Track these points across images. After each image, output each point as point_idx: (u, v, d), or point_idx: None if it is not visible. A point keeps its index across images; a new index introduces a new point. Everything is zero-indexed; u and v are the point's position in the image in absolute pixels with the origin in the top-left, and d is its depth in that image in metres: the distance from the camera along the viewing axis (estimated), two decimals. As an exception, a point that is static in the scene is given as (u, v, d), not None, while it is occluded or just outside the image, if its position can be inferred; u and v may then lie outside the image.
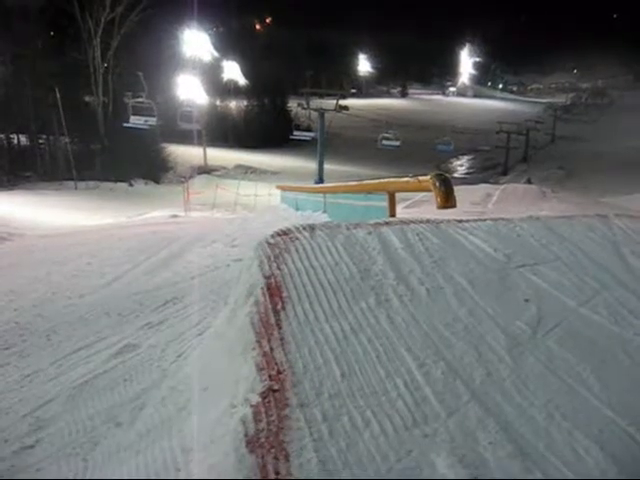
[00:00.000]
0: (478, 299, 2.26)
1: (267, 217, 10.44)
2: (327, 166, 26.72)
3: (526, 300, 2.28)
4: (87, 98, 40.39)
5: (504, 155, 49.51)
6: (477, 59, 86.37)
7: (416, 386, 1.80)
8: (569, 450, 1.60)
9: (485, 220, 3.02)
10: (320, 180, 24.75)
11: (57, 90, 33.06)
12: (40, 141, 38.20)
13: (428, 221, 2.97)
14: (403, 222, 2.92)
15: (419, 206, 11.58)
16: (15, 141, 37.78)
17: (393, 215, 5.44)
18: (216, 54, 48.64)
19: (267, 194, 21.42)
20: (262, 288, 2.26)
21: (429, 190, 4.49)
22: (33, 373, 3.79)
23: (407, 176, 5.36)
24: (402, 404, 1.72)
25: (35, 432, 2.92)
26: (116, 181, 34.89)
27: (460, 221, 2.96)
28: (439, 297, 2.26)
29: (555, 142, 56.48)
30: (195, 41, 44.76)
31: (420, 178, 4.72)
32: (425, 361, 1.90)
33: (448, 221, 2.96)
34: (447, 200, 4.28)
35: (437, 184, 4.32)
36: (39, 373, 3.78)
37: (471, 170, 51.85)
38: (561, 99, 75.37)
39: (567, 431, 1.66)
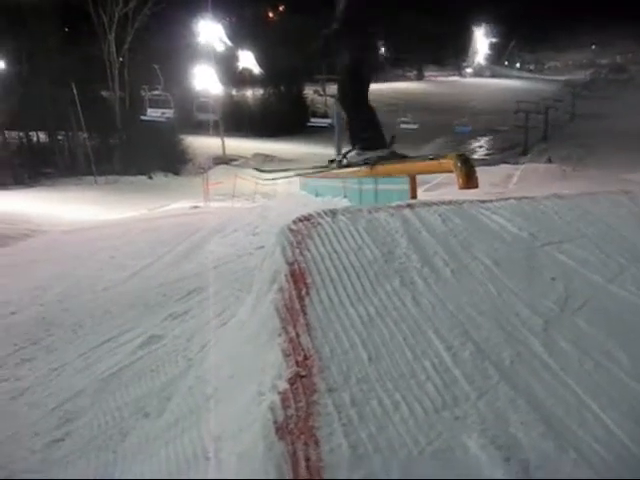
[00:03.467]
0: (504, 279, 2.23)
1: (287, 205, 10.44)
2: (345, 152, 26.59)
3: (553, 279, 2.25)
4: (104, 93, 40.61)
5: (523, 135, 49.12)
6: (493, 39, 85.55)
7: (445, 368, 1.78)
8: (601, 427, 1.58)
9: (508, 199, 2.99)
10: (339, 166, 24.69)
11: (74, 86, 33.22)
12: (59, 137, 38.47)
13: (450, 202, 2.93)
14: (425, 204, 2.90)
15: (439, 189, 11.55)
16: (34, 138, 38.08)
17: (414, 197, 5.42)
18: (230, 44, 48.59)
19: (287, 182, 21.40)
20: (286, 275, 2.24)
21: (450, 171, 4.46)
22: (60, 367, 3.82)
23: (427, 158, 5.34)
24: (431, 386, 1.71)
25: (65, 425, 2.94)
26: (136, 174, 35.10)
27: (483, 201, 2.93)
28: (465, 278, 2.24)
29: (574, 120, 55.84)
30: (209, 31, 44.73)
31: (441, 159, 4.70)
32: (453, 343, 1.88)
33: (471, 201, 2.92)
34: (469, 180, 4.26)
35: (458, 164, 4.29)
36: (66, 366, 3.81)
37: (490, 151, 51.47)
38: (579, 76, 74.51)
39: (599, 408, 1.64)
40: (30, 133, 37.73)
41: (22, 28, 34.75)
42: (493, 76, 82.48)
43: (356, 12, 6.63)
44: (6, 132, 36.06)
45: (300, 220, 2.64)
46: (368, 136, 6.90)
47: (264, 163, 38.93)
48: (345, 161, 7.61)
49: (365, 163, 6.82)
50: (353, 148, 7.25)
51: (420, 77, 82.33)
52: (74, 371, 3.71)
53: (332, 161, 8.50)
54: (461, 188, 4.27)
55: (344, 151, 7.68)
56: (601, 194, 3.21)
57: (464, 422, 1.58)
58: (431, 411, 1.62)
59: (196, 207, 18.53)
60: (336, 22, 6.86)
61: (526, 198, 3.04)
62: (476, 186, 4.28)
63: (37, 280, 7.09)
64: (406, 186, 5.58)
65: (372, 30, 7.10)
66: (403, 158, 6.53)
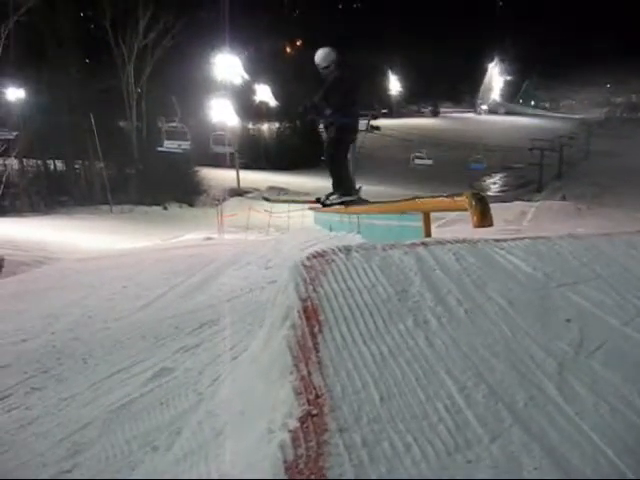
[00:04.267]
0: (518, 320, 2.21)
1: (300, 239, 10.41)
2: (359, 186, 26.63)
3: (567, 320, 2.23)
4: (121, 123, 41.03)
5: (538, 172, 49.14)
6: (508, 77, 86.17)
7: (457, 410, 1.76)
8: (616, 474, 1.55)
9: (523, 239, 2.97)
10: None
11: (92, 116, 33.57)
12: (76, 166, 38.81)
13: (464, 240, 2.92)
14: (439, 242, 2.88)
15: (452, 225, 11.52)
16: (52, 167, 38.43)
17: (428, 235, 5.39)
18: (247, 77, 49.06)
19: (300, 215, 21.44)
20: (298, 311, 2.23)
21: (465, 209, 4.45)
22: (70, 397, 3.81)
23: (441, 195, 5.33)
24: (443, 428, 1.68)
25: (73, 456, 2.92)
26: (151, 204, 35.27)
27: (498, 240, 2.91)
28: (478, 318, 2.22)
29: (589, 158, 55.88)
30: (227, 64, 45.18)
31: (455, 197, 4.68)
32: (466, 384, 1.85)
33: (485, 240, 2.91)
34: (484, 219, 4.24)
35: (473, 203, 4.28)
36: (76, 397, 3.80)
37: (505, 188, 51.53)
38: (595, 114, 74.75)
39: (614, 454, 1.61)
40: (48, 161, 38.11)
41: (44, 58, 35.31)
42: (508, 113, 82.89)
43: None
44: (24, 160, 36.42)
45: (314, 256, 2.64)
46: (345, 185, 9.25)
47: (278, 196, 39.07)
48: (328, 201, 9.62)
49: (340, 203, 9.07)
50: (334, 193, 9.37)
51: (435, 113, 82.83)
52: (83, 402, 3.69)
53: (319, 200, 10.26)
54: (476, 227, 4.25)
55: (327, 193, 9.66)
56: (617, 235, 3.18)
57: (476, 466, 1.56)
58: (443, 454, 1.60)
59: (210, 238, 18.59)
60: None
61: (541, 238, 3.02)
62: (491, 224, 4.26)
63: (50, 308, 7.11)
64: (420, 223, 5.57)
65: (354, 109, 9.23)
66: (366, 201, 8.85)
